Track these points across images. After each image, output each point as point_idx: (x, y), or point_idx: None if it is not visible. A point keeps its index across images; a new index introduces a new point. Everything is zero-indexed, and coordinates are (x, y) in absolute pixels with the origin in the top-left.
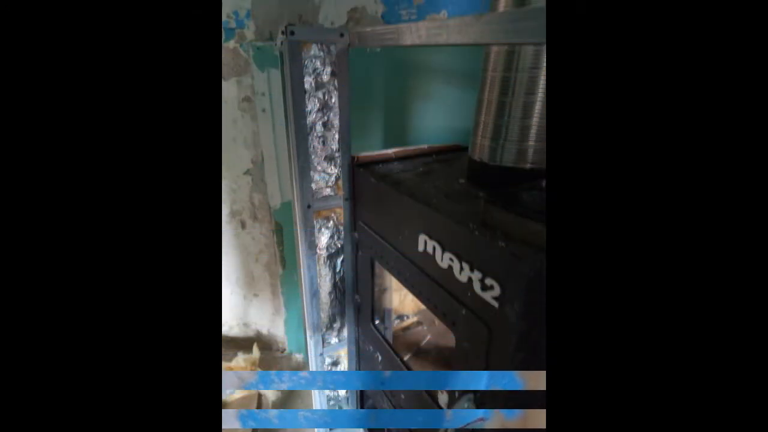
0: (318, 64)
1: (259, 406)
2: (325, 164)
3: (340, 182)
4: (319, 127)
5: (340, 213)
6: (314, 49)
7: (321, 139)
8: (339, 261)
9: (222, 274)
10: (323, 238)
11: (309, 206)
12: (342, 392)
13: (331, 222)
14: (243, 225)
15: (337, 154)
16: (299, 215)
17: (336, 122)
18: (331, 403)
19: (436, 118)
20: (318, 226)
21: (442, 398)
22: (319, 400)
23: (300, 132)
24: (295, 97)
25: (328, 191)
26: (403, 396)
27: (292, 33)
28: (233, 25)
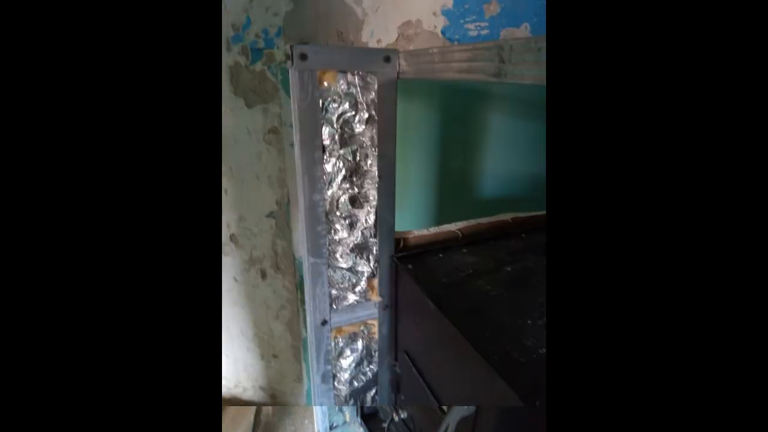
0: (347, 105)
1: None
2: (350, 258)
3: (375, 281)
4: (343, 204)
5: (373, 326)
6: (341, 83)
7: (347, 222)
8: (369, 397)
9: (237, 327)
10: (345, 365)
11: (324, 322)
12: None
13: (360, 341)
14: (263, 275)
15: (372, 241)
16: (311, 333)
17: (372, 194)
18: None
19: (510, 162)
20: (337, 350)
21: None
22: None
23: (311, 212)
24: (305, 158)
25: (353, 298)
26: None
27: (303, 56)
28: (261, 45)
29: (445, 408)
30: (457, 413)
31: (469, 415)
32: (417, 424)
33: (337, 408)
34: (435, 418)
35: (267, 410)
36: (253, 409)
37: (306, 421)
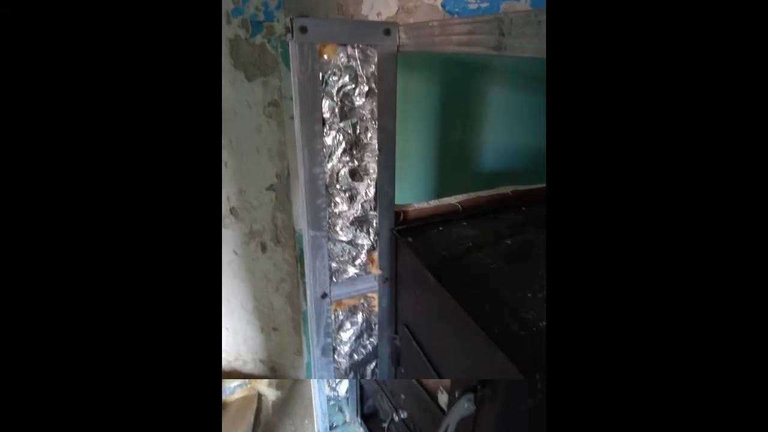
0: (347, 78)
1: (259, 406)
2: (350, 231)
3: (375, 254)
4: (343, 177)
5: (373, 299)
6: (341, 56)
7: (347, 195)
8: (369, 370)
9: (237, 299)
10: (345, 338)
11: (324, 295)
12: (342, 392)
13: (360, 314)
14: (263, 248)
15: (372, 214)
16: (311, 306)
17: (372, 167)
18: (331, 403)
19: (510, 135)
20: (337, 323)
21: (442, 398)
22: (319, 400)
23: (311, 185)
24: (305, 131)
25: (353, 271)
26: (403, 396)
27: (303, 29)
28: (261, 17)
29: (445, 408)
30: (457, 413)
31: (469, 415)
32: (417, 424)
33: (337, 408)
34: (435, 418)
35: (267, 410)
36: (253, 408)
37: (306, 421)
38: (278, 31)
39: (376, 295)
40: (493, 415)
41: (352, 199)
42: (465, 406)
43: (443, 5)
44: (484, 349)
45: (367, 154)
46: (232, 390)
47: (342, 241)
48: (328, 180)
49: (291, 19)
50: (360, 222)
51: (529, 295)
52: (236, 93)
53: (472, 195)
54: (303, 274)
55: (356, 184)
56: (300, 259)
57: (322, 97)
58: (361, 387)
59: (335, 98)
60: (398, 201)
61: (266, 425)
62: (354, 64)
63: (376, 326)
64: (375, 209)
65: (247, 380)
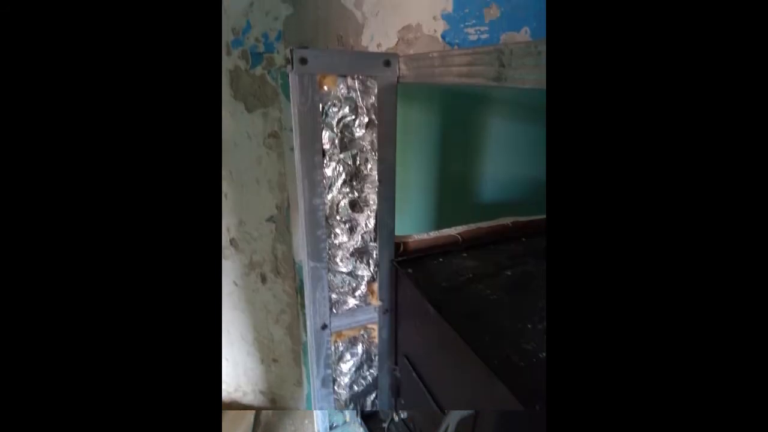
0: (347, 110)
1: None
2: (350, 262)
3: (375, 286)
4: (343, 209)
5: (373, 330)
6: (341, 87)
7: (347, 226)
8: (369, 401)
9: (237, 331)
10: (345, 369)
11: (324, 326)
12: None
13: (360, 345)
14: (263, 279)
15: (372, 246)
16: (311, 337)
17: (372, 198)
18: None
19: (511, 166)
20: (338, 354)
21: None
22: None
23: (311, 216)
24: (305, 162)
25: (353, 302)
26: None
27: (303, 60)
28: (261, 49)
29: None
30: (457, 413)
31: (469, 415)
32: (417, 425)
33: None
34: (435, 418)
35: (267, 411)
36: (253, 409)
37: (306, 422)
38: (278, 62)
39: (376, 327)
40: (493, 415)
41: (352, 231)
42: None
43: (443, 36)
44: (484, 380)
45: (367, 185)
46: None
47: (342, 273)
48: (328, 211)
49: (291, 50)
50: (360, 253)
51: (529, 326)
52: (236, 124)
53: (472, 226)
54: (303, 306)
55: (356, 215)
56: (300, 290)
57: (322, 128)
58: None
59: (335, 129)
60: (398, 232)
61: (266, 425)
62: (354, 95)
63: (376, 357)
64: (375, 240)
65: None
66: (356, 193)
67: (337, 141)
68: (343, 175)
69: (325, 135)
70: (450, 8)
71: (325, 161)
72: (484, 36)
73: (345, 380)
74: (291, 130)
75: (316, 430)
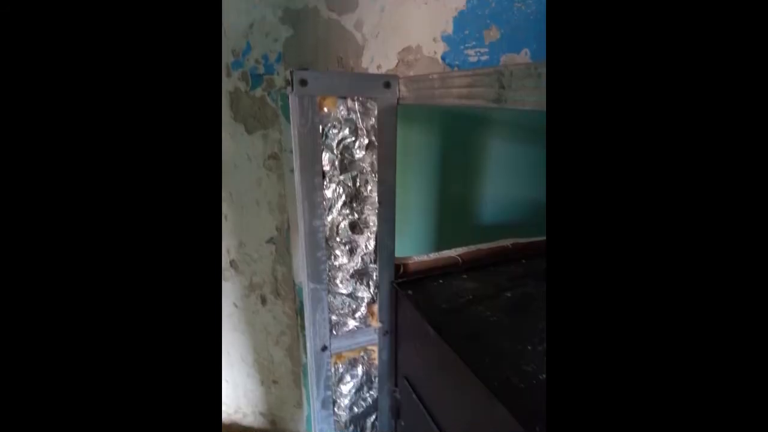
0: (347, 131)
1: None
2: (350, 283)
3: (375, 307)
4: (343, 230)
5: (373, 352)
6: (341, 108)
7: (347, 248)
8: (369, 423)
9: (237, 352)
10: (345, 391)
11: (324, 348)
12: None
13: (360, 367)
14: (263, 301)
15: (372, 267)
16: (311, 359)
17: (372, 220)
18: None
19: (511, 188)
20: (337, 375)
21: None
22: None
23: (311, 237)
24: (305, 184)
25: (353, 323)
26: None
27: (303, 82)
28: (261, 70)
29: None
30: None
31: None
32: None
33: None
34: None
35: None
36: None
37: None
38: (278, 83)
39: (376, 348)
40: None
41: (352, 252)
42: None
43: (443, 58)
44: (484, 402)
45: (367, 206)
46: None
47: (342, 294)
48: (328, 233)
49: (291, 72)
50: (360, 275)
51: (529, 347)
52: (236, 146)
53: (472, 248)
54: (303, 327)
55: (356, 236)
56: (300, 311)
57: (322, 150)
58: None
59: (335, 151)
60: (398, 254)
61: None
62: (354, 116)
63: (376, 379)
64: (375, 262)
65: None
66: (356, 215)
67: (337, 162)
68: (343, 197)
69: (325, 156)
70: (450, 30)
71: (325, 183)
72: (484, 57)
73: (345, 402)
74: (291, 151)
75: None
